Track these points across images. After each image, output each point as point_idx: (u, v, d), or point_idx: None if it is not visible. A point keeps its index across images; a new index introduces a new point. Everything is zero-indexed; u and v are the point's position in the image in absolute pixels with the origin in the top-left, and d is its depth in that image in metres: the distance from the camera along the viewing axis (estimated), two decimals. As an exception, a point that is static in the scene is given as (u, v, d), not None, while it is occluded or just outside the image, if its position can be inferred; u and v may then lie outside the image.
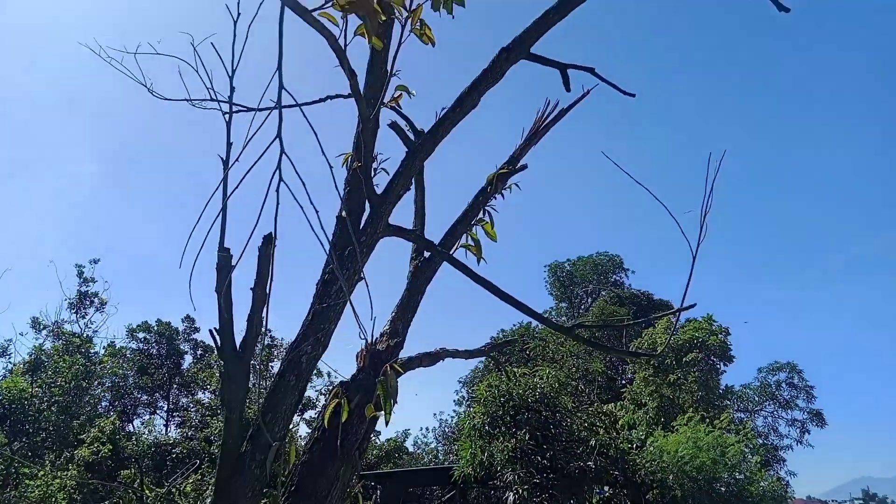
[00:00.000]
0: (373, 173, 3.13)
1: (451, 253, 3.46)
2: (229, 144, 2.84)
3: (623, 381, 34.71)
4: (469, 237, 3.74)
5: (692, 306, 2.67)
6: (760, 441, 34.30)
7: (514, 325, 48.36)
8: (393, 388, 2.63)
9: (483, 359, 48.37)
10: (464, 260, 3.56)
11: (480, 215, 3.70)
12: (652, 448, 17.92)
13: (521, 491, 15.49)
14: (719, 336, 24.83)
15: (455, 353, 3.62)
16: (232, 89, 2.92)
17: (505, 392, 17.56)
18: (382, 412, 2.67)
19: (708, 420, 19.11)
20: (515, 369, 20.73)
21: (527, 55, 3.16)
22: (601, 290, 50.63)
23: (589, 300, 52.20)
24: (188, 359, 38.98)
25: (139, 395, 37.15)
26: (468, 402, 36.45)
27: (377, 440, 49.65)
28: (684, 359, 24.12)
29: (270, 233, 2.62)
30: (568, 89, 3.39)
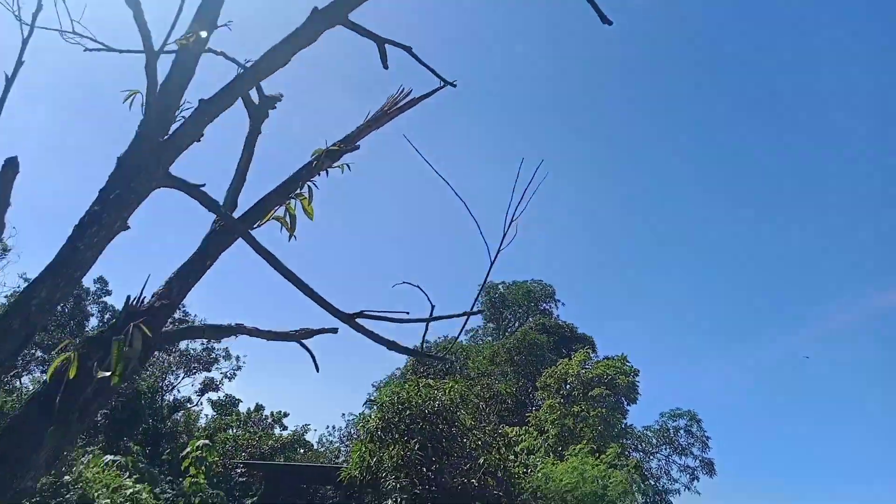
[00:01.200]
0: (174, 118, 2.90)
1: (256, 225, 3.27)
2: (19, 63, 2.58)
3: (532, 408, 35.03)
4: (287, 211, 3.53)
5: (478, 312, 2.54)
6: (652, 482, 35.13)
7: (440, 339, 48.37)
8: (133, 349, 2.40)
9: (405, 363, 47.93)
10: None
11: (302, 190, 3.51)
12: (539, 474, 18.01)
13: (400, 500, 15.29)
14: (628, 376, 25.36)
15: (254, 332, 3.38)
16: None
17: (405, 400, 17.38)
18: (111, 373, 2.44)
19: (597, 454, 19.38)
20: (429, 380, 20.60)
21: (344, 21, 3.01)
22: (529, 316, 51.15)
23: (516, 324, 52.66)
24: (94, 321, 37.37)
25: (34, 351, 35.31)
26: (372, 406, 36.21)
27: (277, 432, 48.64)
28: (590, 393, 24.50)
29: (15, 157, 2.37)
30: (385, 66, 3.25)
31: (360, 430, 17.59)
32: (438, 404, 17.39)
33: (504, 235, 2.65)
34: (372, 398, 17.66)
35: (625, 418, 38.97)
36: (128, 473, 16.05)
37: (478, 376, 38.34)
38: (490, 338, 52.45)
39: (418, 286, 2.62)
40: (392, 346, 2.67)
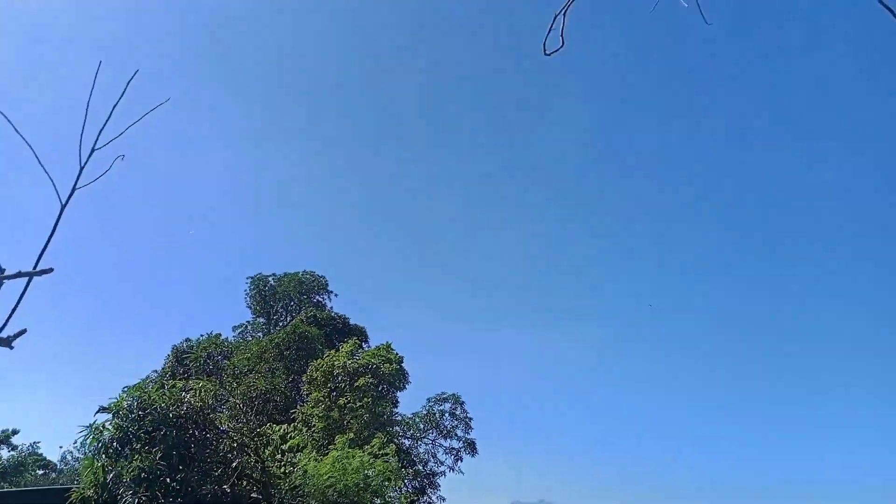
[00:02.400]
0: None
1: None
2: None
3: (302, 403, 34.26)
4: None
5: (48, 271, 1.94)
6: (420, 467, 36.42)
7: (202, 335, 45.23)
8: None
9: (163, 366, 43.88)
10: None
11: None
12: (300, 472, 17.42)
13: (138, 517, 13.70)
14: (393, 364, 25.72)
15: None
16: None
17: (146, 405, 15.62)
18: None
19: (359, 445, 19.31)
20: (177, 381, 18.79)
21: None
22: (301, 309, 50.03)
23: (288, 317, 51.20)
24: None
25: None
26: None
27: (4, 454, 41.93)
28: (356, 383, 24.42)
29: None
30: None
31: (91, 444, 15.42)
32: (187, 407, 15.95)
33: (82, 168, 2.11)
34: (105, 406, 15.57)
35: (395, 406, 39.93)
36: None
37: (245, 374, 36.50)
38: (260, 333, 50.39)
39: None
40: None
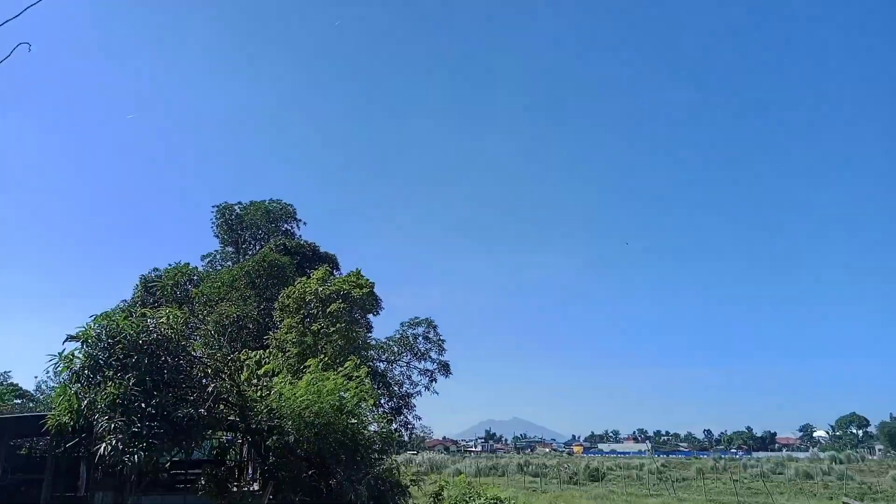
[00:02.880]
0: None
1: None
2: None
3: (275, 330, 34.45)
4: None
5: None
6: (395, 389, 37.29)
7: (170, 265, 44.77)
8: None
9: (132, 296, 43.60)
10: None
11: None
12: (275, 395, 17.60)
13: (115, 441, 13.76)
14: (364, 289, 25.79)
15: None
16: None
17: (115, 333, 15.44)
18: None
19: (333, 368, 19.53)
20: (146, 309, 18.57)
21: None
22: (270, 238, 49.63)
23: (257, 246, 50.82)
24: None
25: None
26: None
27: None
28: (328, 309, 24.50)
29: None
30: None
31: (63, 371, 15.32)
32: (157, 335, 15.82)
33: None
34: (74, 334, 15.40)
35: (369, 331, 40.46)
36: None
37: (216, 302, 36.42)
38: (230, 262, 50.05)
39: None
40: None
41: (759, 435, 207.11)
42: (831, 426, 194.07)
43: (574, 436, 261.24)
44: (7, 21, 1.86)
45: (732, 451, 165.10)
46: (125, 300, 41.92)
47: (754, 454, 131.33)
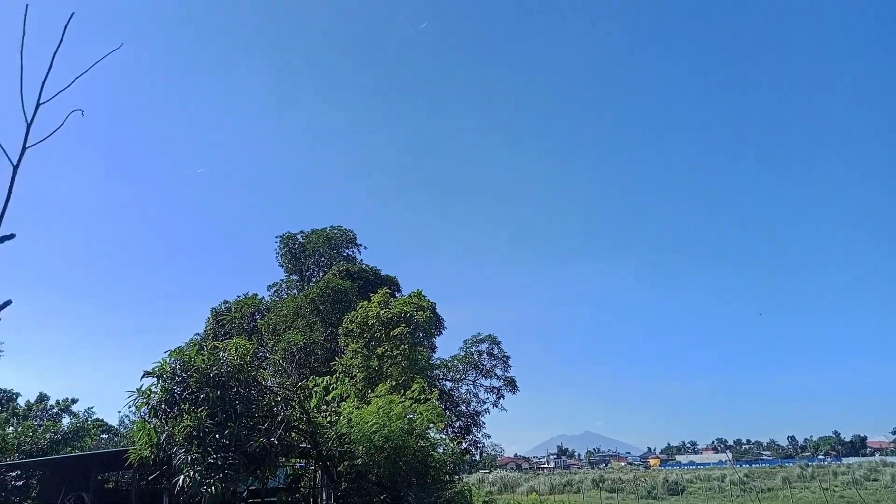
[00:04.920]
0: None
1: None
2: None
3: (340, 355, 34.91)
4: None
5: (9, 237, 1.80)
6: (463, 408, 37.09)
7: (238, 297, 46.13)
8: None
9: (204, 328, 45.00)
10: None
11: None
12: (345, 420, 17.76)
13: (192, 473, 14.15)
14: (426, 311, 25.84)
15: None
16: None
17: (188, 366, 15.96)
18: None
19: (400, 391, 19.57)
20: (216, 342, 19.15)
21: None
22: (332, 264, 50.52)
23: (320, 273, 51.80)
24: None
25: None
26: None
27: (66, 421, 43.88)
28: (392, 332, 24.64)
29: None
30: None
31: (142, 407, 15.88)
32: (227, 367, 16.25)
33: (29, 125, 1.93)
34: (150, 370, 15.96)
35: (433, 351, 40.49)
36: None
37: (283, 330, 37.25)
38: (295, 290, 51.15)
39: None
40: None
41: (847, 439, 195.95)
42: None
43: (649, 448, 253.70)
44: (59, 92, 1.89)
45: (820, 457, 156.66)
46: (198, 333, 43.37)
47: (844, 460, 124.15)
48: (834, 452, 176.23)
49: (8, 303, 1.90)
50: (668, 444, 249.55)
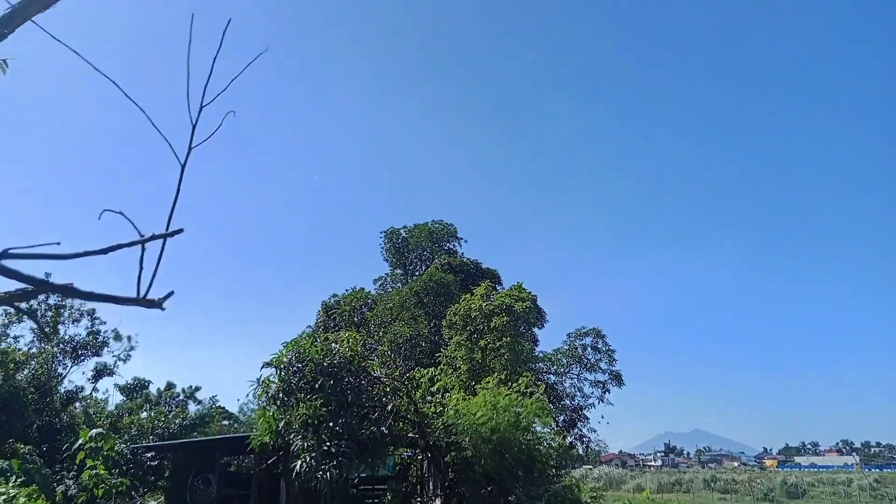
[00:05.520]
0: None
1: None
2: None
3: (444, 347, 35.40)
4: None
5: (179, 231, 1.95)
6: (567, 401, 36.63)
7: (347, 290, 47.76)
8: None
9: (315, 321, 46.99)
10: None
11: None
12: (451, 411, 18.00)
13: (308, 459, 14.86)
14: (526, 303, 25.71)
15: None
16: None
17: (302, 358, 16.74)
18: None
19: (508, 384, 19.59)
20: (327, 334, 19.98)
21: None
22: (434, 258, 51.31)
23: (423, 267, 52.75)
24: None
25: None
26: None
27: (192, 408, 47.29)
28: (492, 324, 24.72)
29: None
30: None
31: (261, 396, 16.84)
32: (339, 358, 16.89)
33: (194, 126, 2.06)
34: (269, 361, 16.87)
35: (536, 345, 40.23)
36: (14, 478, 14.85)
37: (389, 323, 38.27)
38: (399, 284, 52.38)
39: (121, 213, 2.00)
40: (38, 286, 1.97)
41: None
42: None
43: (765, 448, 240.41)
44: (217, 95, 2.04)
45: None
46: (310, 326, 45.36)
47: None
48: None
49: (171, 294, 2.05)
50: (787, 445, 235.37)
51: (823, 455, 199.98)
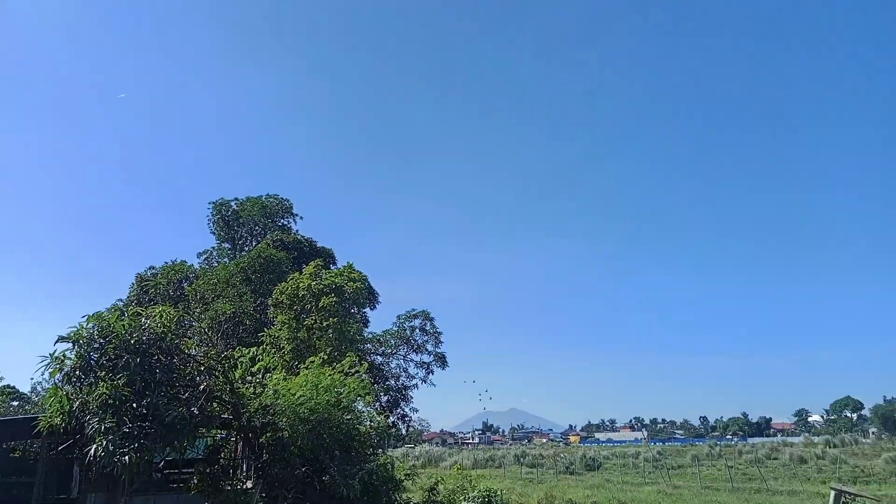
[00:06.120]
0: None
1: None
2: None
3: (271, 326, 34.40)
4: None
5: None
6: (392, 382, 37.29)
7: (166, 263, 44.67)
8: None
9: (128, 295, 43.48)
10: None
11: None
12: (270, 392, 17.56)
13: (105, 442, 13.71)
14: (357, 283, 25.69)
15: None
16: None
17: (106, 332, 15.36)
18: None
19: (329, 364, 19.50)
20: (138, 308, 18.48)
21: None
22: (266, 233, 49.51)
23: (254, 242, 50.70)
24: None
25: None
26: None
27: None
28: (321, 304, 24.41)
29: None
30: None
31: (55, 373, 15.23)
32: (149, 334, 15.73)
33: None
34: (65, 335, 15.31)
35: (366, 325, 40.40)
36: None
37: (212, 300, 36.33)
38: (226, 259, 49.92)
39: None
40: None
41: (754, 421, 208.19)
42: (826, 410, 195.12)
43: (571, 425, 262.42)
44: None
45: (728, 437, 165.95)
46: (121, 299, 41.82)
47: (749, 440, 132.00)
48: (741, 433, 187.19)
49: None
50: (589, 422, 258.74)
51: (619, 431, 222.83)
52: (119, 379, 14.32)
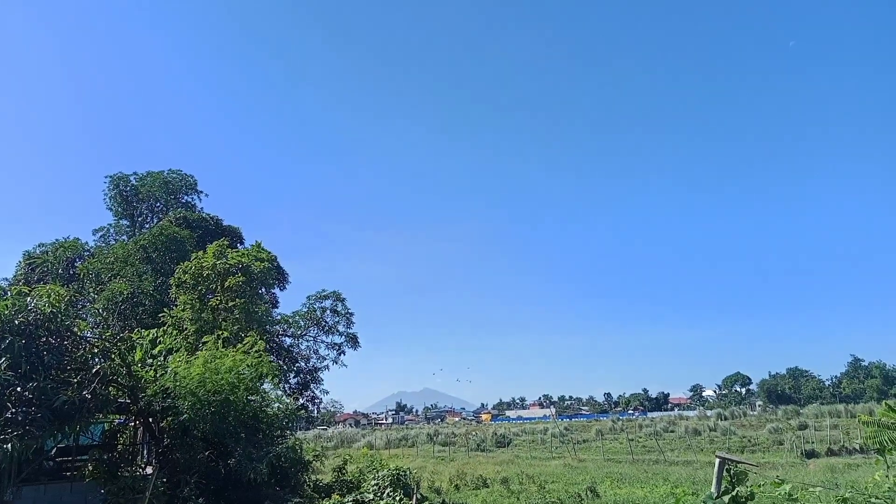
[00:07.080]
0: None
1: None
2: None
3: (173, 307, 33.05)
4: None
5: None
6: (302, 364, 36.77)
7: (57, 240, 41.90)
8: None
9: (14, 273, 40.48)
10: None
11: None
12: (167, 373, 16.92)
13: (-15, 430, 12.83)
14: (265, 263, 25.05)
15: None
16: None
17: (-10, 313, 14.29)
18: None
19: (234, 345, 19.00)
20: (23, 287, 17.27)
21: None
22: (169, 210, 47.28)
23: (154, 219, 48.32)
24: None
25: None
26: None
27: None
28: (226, 284, 23.68)
29: None
30: None
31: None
32: (36, 315, 14.77)
33: None
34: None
35: (275, 306, 39.53)
36: None
37: (108, 279, 34.46)
38: (124, 237, 47.33)
39: None
40: None
41: (653, 396, 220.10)
42: (718, 385, 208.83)
43: (483, 404, 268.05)
44: None
45: (630, 412, 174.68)
46: (6, 279, 38.90)
47: (649, 414, 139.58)
48: (642, 408, 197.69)
49: None
50: (500, 401, 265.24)
51: (529, 408, 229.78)
52: (2, 362, 13.40)
